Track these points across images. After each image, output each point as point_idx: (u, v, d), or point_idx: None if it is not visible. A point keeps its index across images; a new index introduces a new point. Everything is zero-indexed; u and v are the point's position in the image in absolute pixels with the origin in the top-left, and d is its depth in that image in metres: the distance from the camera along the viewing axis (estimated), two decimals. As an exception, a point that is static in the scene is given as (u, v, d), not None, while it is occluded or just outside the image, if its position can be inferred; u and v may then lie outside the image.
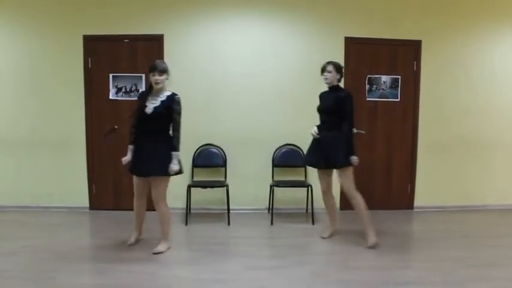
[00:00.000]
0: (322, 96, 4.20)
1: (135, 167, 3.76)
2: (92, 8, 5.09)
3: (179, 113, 3.74)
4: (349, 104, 3.94)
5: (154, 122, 3.69)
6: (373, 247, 3.94)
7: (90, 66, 5.14)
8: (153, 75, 3.67)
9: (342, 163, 3.91)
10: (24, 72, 5.15)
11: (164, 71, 3.70)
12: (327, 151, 3.97)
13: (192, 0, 5.13)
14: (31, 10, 5.09)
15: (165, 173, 3.67)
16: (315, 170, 5.21)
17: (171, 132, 3.77)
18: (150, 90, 3.76)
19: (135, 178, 3.84)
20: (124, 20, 5.11)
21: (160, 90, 3.73)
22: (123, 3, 5.10)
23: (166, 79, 3.75)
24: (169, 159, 3.67)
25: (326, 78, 4.07)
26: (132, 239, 4.01)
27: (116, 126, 5.11)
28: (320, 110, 4.13)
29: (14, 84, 5.16)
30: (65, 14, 5.09)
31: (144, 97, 3.76)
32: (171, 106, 3.69)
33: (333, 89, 4.09)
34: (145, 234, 4.17)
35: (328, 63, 4.08)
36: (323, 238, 4.25)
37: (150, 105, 3.68)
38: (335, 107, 3.96)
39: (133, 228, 4.06)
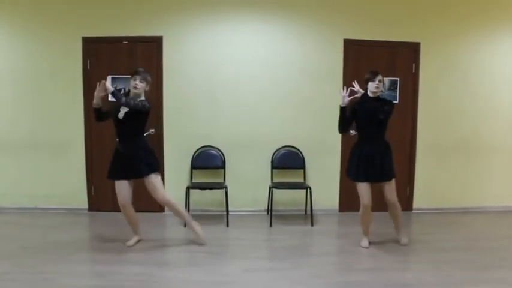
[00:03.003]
0: (363, 105, 3.89)
1: (119, 173, 3.85)
2: (91, 10, 5.09)
3: (141, 103, 3.71)
4: (390, 110, 3.90)
5: (125, 126, 3.79)
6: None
7: (89, 67, 5.14)
8: (134, 79, 3.76)
9: (394, 174, 3.97)
10: (23, 74, 5.15)
11: (145, 79, 3.80)
12: (382, 163, 3.88)
13: (191, 2, 5.13)
14: (30, 12, 5.09)
15: (154, 170, 3.87)
16: (314, 172, 5.25)
17: (144, 134, 3.97)
18: (128, 95, 3.86)
19: (119, 185, 3.88)
20: (123, 21, 5.11)
21: (136, 96, 3.80)
22: (122, 5, 5.10)
23: (146, 90, 3.85)
24: (151, 157, 3.87)
25: (378, 88, 3.84)
26: (132, 242, 4.02)
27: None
28: (367, 120, 3.86)
29: (13, 85, 5.16)
30: (64, 16, 5.09)
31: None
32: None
33: (377, 98, 3.89)
34: (143, 236, 4.17)
35: (378, 72, 3.87)
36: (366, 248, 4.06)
37: (122, 111, 3.77)
38: (385, 117, 3.85)
39: (133, 232, 4.08)
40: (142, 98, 3.86)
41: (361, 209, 3.97)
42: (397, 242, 4.20)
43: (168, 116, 5.19)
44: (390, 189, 3.95)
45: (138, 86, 3.76)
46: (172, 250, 4.10)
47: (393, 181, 3.96)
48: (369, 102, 3.88)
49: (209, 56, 5.18)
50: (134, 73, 3.80)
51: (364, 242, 4.06)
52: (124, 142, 3.82)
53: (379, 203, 4.98)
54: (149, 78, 3.85)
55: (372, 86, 3.84)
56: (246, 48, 5.21)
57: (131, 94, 3.83)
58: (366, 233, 4.09)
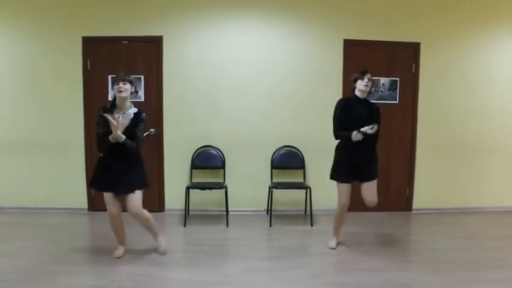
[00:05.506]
0: (352, 106, 3.83)
1: (109, 186, 3.56)
2: (91, 10, 5.10)
3: (142, 130, 3.58)
4: (380, 115, 3.89)
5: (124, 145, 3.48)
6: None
7: (89, 67, 5.15)
8: (117, 84, 3.49)
9: (377, 173, 3.93)
10: (23, 74, 5.15)
11: (129, 81, 3.53)
12: (368, 164, 3.85)
13: (191, 3, 5.14)
14: (30, 12, 5.09)
15: (143, 185, 3.62)
16: (314, 172, 5.26)
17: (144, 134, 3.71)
18: (114, 106, 3.55)
19: (108, 197, 3.60)
20: (123, 21, 5.11)
21: (125, 104, 3.55)
22: (122, 5, 5.11)
23: (131, 92, 3.59)
24: (142, 172, 3.63)
25: (367, 86, 3.81)
26: (120, 252, 3.80)
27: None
28: (357, 121, 3.74)
29: (13, 86, 5.16)
30: (64, 16, 5.10)
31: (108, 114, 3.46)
32: (138, 123, 3.54)
33: (364, 99, 3.87)
34: (141, 237, 4.17)
35: (367, 71, 3.82)
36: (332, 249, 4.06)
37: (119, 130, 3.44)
38: (373, 119, 3.79)
39: (118, 243, 3.85)
40: (133, 109, 3.59)
41: (339, 209, 3.95)
42: (397, 242, 4.21)
43: (168, 115, 5.19)
44: (371, 188, 3.88)
45: (123, 88, 3.47)
46: (171, 250, 4.10)
47: (375, 181, 3.90)
48: (358, 103, 3.84)
49: (209, 55, 5.18)
50: (115, 79, 3.53)
51: (333, 243, 4.07)
52: (119, 157, 3.51)
53: (378, 204, 5.01)
54: (132, 78, 3.58)
55: (360, 85, 3.80)
56: (246, 48, 5.22)
57: (117, 100, 3.52)
58: (337, 233, 4.11)
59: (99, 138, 3.53)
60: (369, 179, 3.87)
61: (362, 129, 3.67)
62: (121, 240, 3.85)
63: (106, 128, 3.44)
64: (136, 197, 3.57)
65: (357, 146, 3.77)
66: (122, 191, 3.57)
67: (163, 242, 3.89)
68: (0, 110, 5.18)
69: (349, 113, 3.79)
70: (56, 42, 5.11)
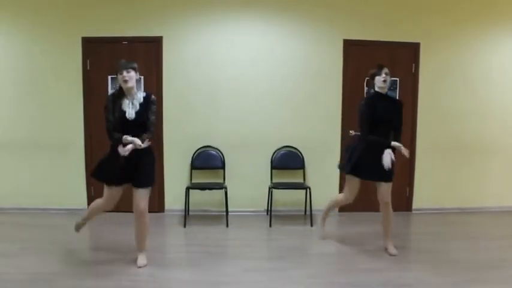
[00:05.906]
0: (376, 103, 3.75)
1: (120, 177, 3.46)
2: (91, 10, 5.09)
3: (155, 113, 3.50)
4: (402, 111, 3.82)
5: (136, 128, 3.39)
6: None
7: (88, 68, 5.15)
8: (120, 73, 3.37)
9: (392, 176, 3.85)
10: (23, 74, 5.15)
11: (132, 68, 3.42)
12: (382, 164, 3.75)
13: (191, 3, 5.14)
14: (30, 12, 5.09)
15: (153, 182, 3.56)
16: (314, 172, 5.26)
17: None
18: (121, 95, 3.45)
19: (112, 189, 3.54)
20: (123, 22, 5.11)
21: (132, 91, 3.45)
22: (122, 5, 5.11)
23: (137, 79, 3.49)
24: (153, 168, 3.56)
25: (385, 81, 3.74)
26: (80, 228, 3.98)
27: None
28: (383, 120, 3.72)
29: (13, 86, 5.16)
30: (63, 16, 5.10)
31: (116, 101, 3.42)
32: (149, 106, 3.45)
33: (386, 95, 3.83)
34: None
35: (383, 65, 3.77)
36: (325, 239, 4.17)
37: (130, 111, 3.40)
38: (398, 115, 3.75)
39: (82, 219, 3.93)
40: (141, 93, 3.50)
41: (339, 200, 4.08)
42: (398, 242, 4.20)
43: (168, 116, 5.19)
44: (389, 189, 3.86)
45: (127, 76, 3.36)
46: (171, 250, 4.11)
47: (389, 184, 3.87)
48: (381, 100, 3.79)
49: (209, 56, 5.18)
50: (117, 69, 3.41)
51: (323, 233, 4.25)
52: (134, 153, 3.35)
53: (378, 204, 4.99)
54: (135, 65, 3.46)
55: (379, 81, 3.76)
56: (246, 48, 5.21)
57: (124, 90, 3.42)
58: (325, 218, 4.33)
59: (109, 128, 3.41)
60: (383, 178, 3.80)
61: (390, 158, 3.68)
62: (87, 219, 3.92)
63: (115, 113, 3.37)
64: (146, 195, 3.47)
65: (376, 148, 3.73)
66: (142, 184, 3.44)
67: (143, 258, 3.58)
68: (0, 110, 5.18)
69: (375, 111, 3.74)
70: (56, 43, 5.11)
